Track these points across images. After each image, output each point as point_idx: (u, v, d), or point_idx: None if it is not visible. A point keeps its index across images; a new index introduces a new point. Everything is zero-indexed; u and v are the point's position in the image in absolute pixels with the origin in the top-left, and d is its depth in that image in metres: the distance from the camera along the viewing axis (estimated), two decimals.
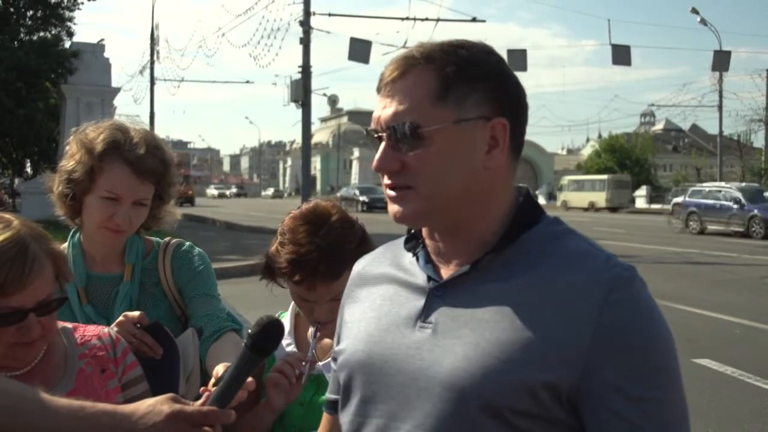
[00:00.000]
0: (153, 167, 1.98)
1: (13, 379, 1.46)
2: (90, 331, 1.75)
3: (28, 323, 1.51)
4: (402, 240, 1.32)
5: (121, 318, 1.85)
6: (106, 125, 2.03)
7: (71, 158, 2.00)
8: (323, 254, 1.71)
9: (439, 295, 1.19)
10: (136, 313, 1.86)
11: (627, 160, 60.41)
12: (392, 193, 1.19)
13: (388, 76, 1.18)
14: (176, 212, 2.23)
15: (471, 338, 1.12)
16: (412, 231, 1.29)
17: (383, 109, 1.18)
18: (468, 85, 1.16)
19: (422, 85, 1.15)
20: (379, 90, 1.20)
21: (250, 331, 1.36)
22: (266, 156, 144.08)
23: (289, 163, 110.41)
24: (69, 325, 1.76)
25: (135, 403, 1.36)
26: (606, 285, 1.10)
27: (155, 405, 1.32)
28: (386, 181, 1.20)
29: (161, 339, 1.86)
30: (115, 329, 1.82)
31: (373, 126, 1.20)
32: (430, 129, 1.14)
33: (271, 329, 1.37)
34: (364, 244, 1.77)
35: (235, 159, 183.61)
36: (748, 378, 6.64)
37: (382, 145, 1.18)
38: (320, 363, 1.80)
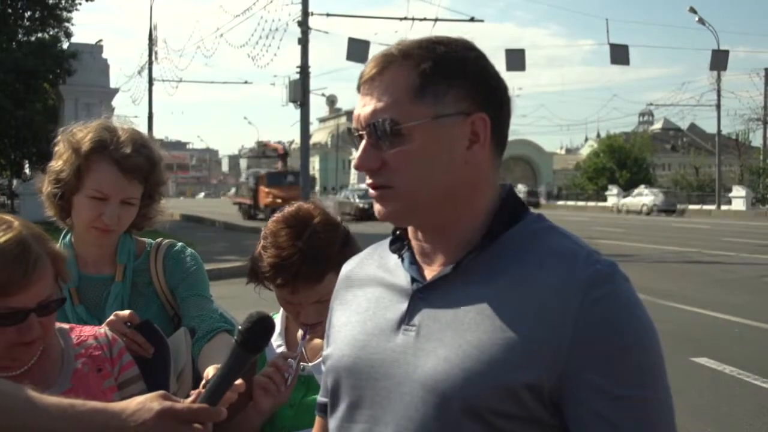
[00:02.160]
0: (139, 165, 1.98)
1: (2, 378, 1.46)
2: (86, 331, 1.75)
3: (29, 323, 1.51)
4: (388, 241, 1.31)
5: (111, 317, 1.85)
6: (93, 125, 2.03)
7: (59, 158, 2.01)
8: (305, 258, 1.70)
9: (422, 297, 1.18)
10: (127, 312, 1.86)
11: (626, 160, 60.47)
12: (374, 192, 1.19)
13: (367, 74, 1.18)
14: (168, 211, 2.23)
15: (453, 340, 1.11)
16: (398, 232, 1.28)
17: (363, 107, 1.18)
18: (446, 80, 1.15)
19: (400, 82, 1.15)
20: (359, 88, 1.20)
21: (240, 327, 1.35)
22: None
23: (288, 163, 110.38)
24: (65, 325, 1.76)
25: (125, 400, 1.35)
26: (586, 282, 1.08)
27: (145, 402, 1.31)
28: (368, 180, 1.19)
29: (152, 338, 1.86)
30: (107, 328, 1.82)
31: (354, 124, 1.20)
32: (409, 125, 1.14)
33: (261, 325, 1.35)
34: (347, 246, 1.77)
35: (233, 159, 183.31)
36: (746, 377, 6.63)
37: (363, 143, 1.18)
38: (311, 364, 1.80)
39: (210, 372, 1.65)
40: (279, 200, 32.63)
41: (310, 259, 1.70)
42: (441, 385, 1.09)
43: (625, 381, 1.06)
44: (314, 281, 1.72)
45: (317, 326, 1.75)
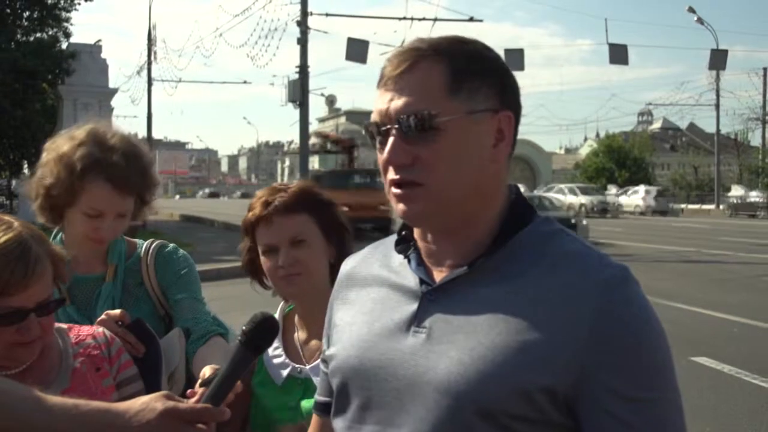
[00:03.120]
0: (134, 182, 1.99)
1: (6, 377, 1.46)
2: (84, 330, 1.76)
3: (28, 323, 1.51)
4: (391, 240, 1.30)
5: (102, 316, 1.85)
6: (80, 136, 1.99)
7: (49, 173, 1.98)
8: (279, 190, 1.87)
9: (432, 299, 1.17)
10: (118, 311, 1.86)
11: (625, 159, 60.49)
12: (399, 190, 1.16)
13: (394, 69, 1.15)
14: (156, 206, 2.23)
15: (466, 343, 1.11)
16: (404, 233, 1.27)
17: (391, 101, 1.14)
18: (478, 77, 1.15)
19: (434, 77, 1.14)
20: (382, 84, 1.17)
21: (244, 327, 1.35)
22: (264, 156, 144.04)
23: (287, 163, 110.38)
24: (64, 325, 1.77)
25: (129, 400, 1.36)
26: (599, 286, 1.09)
27: (149, 402, 1.32)
28: (393, 176, 1.15)
29: (143, 337, 1.87)
30: (105, 327, 1.83)
31: (377, 119, 1.16)
32: (445, 119, 1.12)
33: (265, 326, 1.36)
34: (328, 202, 1.91)
35: (233, 159, 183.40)
36: (745, 376, 6.64)
37: (392, 138, 1.14)
38: (308, 366, 1.82)
39: (207, 371, 1.65)
40: (345, 208, 18.17)
41: (285, 193, 1.85)
42: (455, 387, 1.09)
43: (639, 382, 1.07)
44: (287, 210, 1.81)
45: (295, 277, 1.81)
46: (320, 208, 1.87)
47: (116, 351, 1.75)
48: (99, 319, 1.86)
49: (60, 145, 2.00)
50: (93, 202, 1.96)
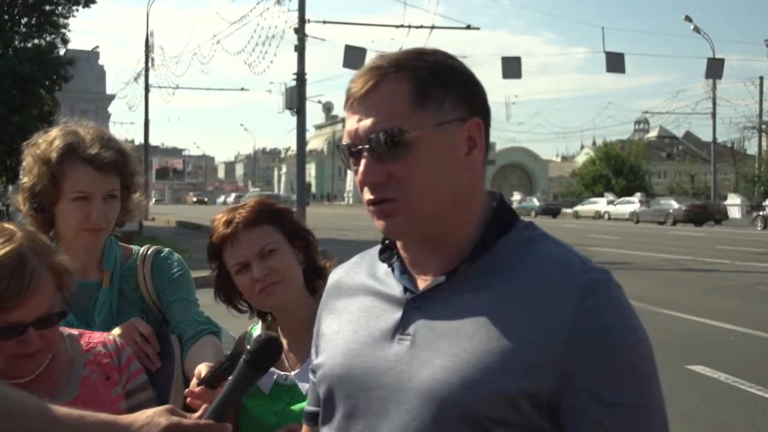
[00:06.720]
0: (112, 160, 2.00)
1: (14, 386, 1.46)
2: (95, 338, 1.77)
3: (28, 337, 1.52)
4: (377, 249, 1.31)
5: (131, 320, 1.91)
6: (54, 133, 2.03)
7: (29, 173, 2.01)
8: (237, 209, 1.91)
9: (416, 306, 1.18)
10: (144, 326, 1.92)
11: (622, 167, 60.69)
12: (376, 207, 1.17)
13: (359, 90, 1.16)
14: (145, 204, 2.26)
15: (449, 349, 1.12)
16: (387, 241, 1.28)
17: (359, 121, 1.16)
18: (444, 88, 1.16)
19: (399, 93, 1.15)
20: (349, 106, 1.18)
21: (248, 347, 1.39)
22: (261, 163, 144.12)
23: (284, 170, 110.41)
24: (75, 332, 1.77)
25: (134, 414, 1.38)
26: (581, 290, 1.10)
27: (153, 416, 1.34)
28: (369, 196, 1.17)
29: (162, 347, 1.90)
30: (119, 332, 1.87)
31: (348, 141, 1.18)
32: (414, 134, 1.14)
33: (269, 346, 1.40)
34: (278, 207, 1.95)
35: (230, 166, 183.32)
36: (742, 384, 6.63)
37: (364, 158, 1.16)
38: (293, 373, 1.85)
39: (202, 369, 1.67)
40: None
41: (243, 209, 1.89)
42: (439, 393, 1.09)
43: (620, 388, 1.08)
44: (249, 224, 1.85)
45: (274, 286, 1.82)
46: (280, 217, 1.90)
47: (126, 359, 1.76)
48: (124, 324, 1.91)
49: (38, 144, 2.03)
50: (77, 186, 1.96)
